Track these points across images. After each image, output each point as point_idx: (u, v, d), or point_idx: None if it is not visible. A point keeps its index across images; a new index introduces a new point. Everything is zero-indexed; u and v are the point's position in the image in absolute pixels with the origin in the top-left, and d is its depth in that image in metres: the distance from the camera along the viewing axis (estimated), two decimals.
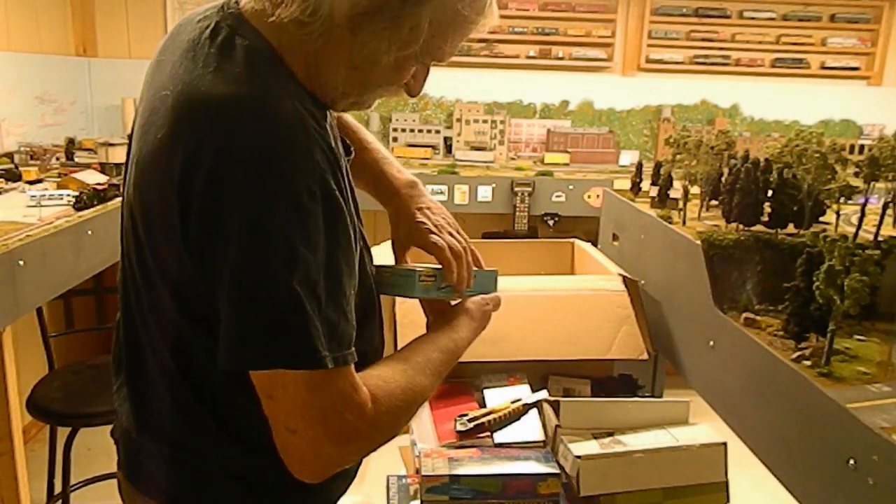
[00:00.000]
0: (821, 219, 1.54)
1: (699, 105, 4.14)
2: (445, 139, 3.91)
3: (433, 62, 0.88)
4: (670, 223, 1.69)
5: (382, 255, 1.10)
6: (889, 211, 1.45)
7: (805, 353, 1.15)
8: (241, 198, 0.73)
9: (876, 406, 0.99)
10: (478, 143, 3.84)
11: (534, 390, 1.34)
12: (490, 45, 3.99)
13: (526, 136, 4.13)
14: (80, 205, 2.25)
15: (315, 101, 0.83)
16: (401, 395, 0.84)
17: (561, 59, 4.06)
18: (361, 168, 1.11)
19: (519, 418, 1.27)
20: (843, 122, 4.15)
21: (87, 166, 2.86)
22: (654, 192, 1.95)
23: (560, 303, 1.46)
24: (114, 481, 1.01)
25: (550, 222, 3.44)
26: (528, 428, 1.24)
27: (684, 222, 1.70)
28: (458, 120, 3.85)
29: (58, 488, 2.31)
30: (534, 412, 1.28)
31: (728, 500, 1.14)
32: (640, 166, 2.15)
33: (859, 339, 1.23)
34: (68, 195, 2.31)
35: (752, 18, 4.09)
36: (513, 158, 3.97)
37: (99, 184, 2.46)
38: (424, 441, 1.22)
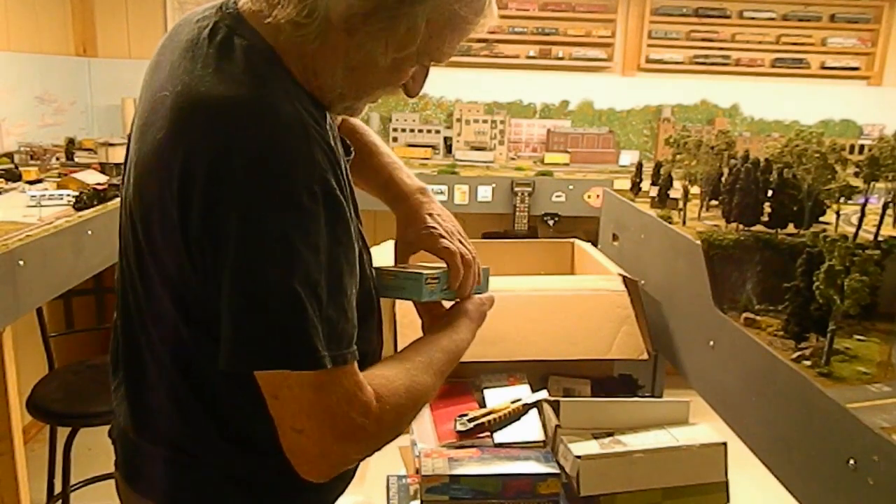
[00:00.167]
0: (821, 219, 1.54)
1: (699, 105, 4.14)
2: (445, 139, 3.91)
3: (432, 63, 0.88)
4: (670, 223, 1.69)
5: (382, 255, 1.10)
6: (889, 211, 1.44)
7: (805, 353, 1.15)
8: (241, 198, 0.73)
9: (876, 406, 0.99)
10: (478, 143, 3.84)
11: (534, 390, 1.35)
12: (490, 45, 3.99)
13: (526, 136, 4.13)
14: (80, 205, 2.25)
15: (314, 102, 0.83)
16: (405, 394, 0.84)
17: (561, 59, 4.06)
18: (371, 172, 1.12)
19: (519, 418, 1.27)
20: (843, 122, 4.15)
21: (87, 166, 2.86)
22: (654, 192, 1.95)
23: (560, 303, 1.46)
24: (114, 481, 1.01)
25: (550, 222, 3.44)
26: (528, 428, 1.24)
27: (684, 222, 1.70)
28: (458, 120, 3.85)
29: (58, 488, 2.30)
30: (534, 412, 1.28)
31: (728, 500, 1.15)
32: (640, 166, 2.15)
33: (859, 339, 1.23)
34: (68, 195, 2.31)
35: (752, 18, 4.09)
36: (513, 158, 3.97)
37: (99, 184, 2.46)
38: (424, 441, 1.22)
